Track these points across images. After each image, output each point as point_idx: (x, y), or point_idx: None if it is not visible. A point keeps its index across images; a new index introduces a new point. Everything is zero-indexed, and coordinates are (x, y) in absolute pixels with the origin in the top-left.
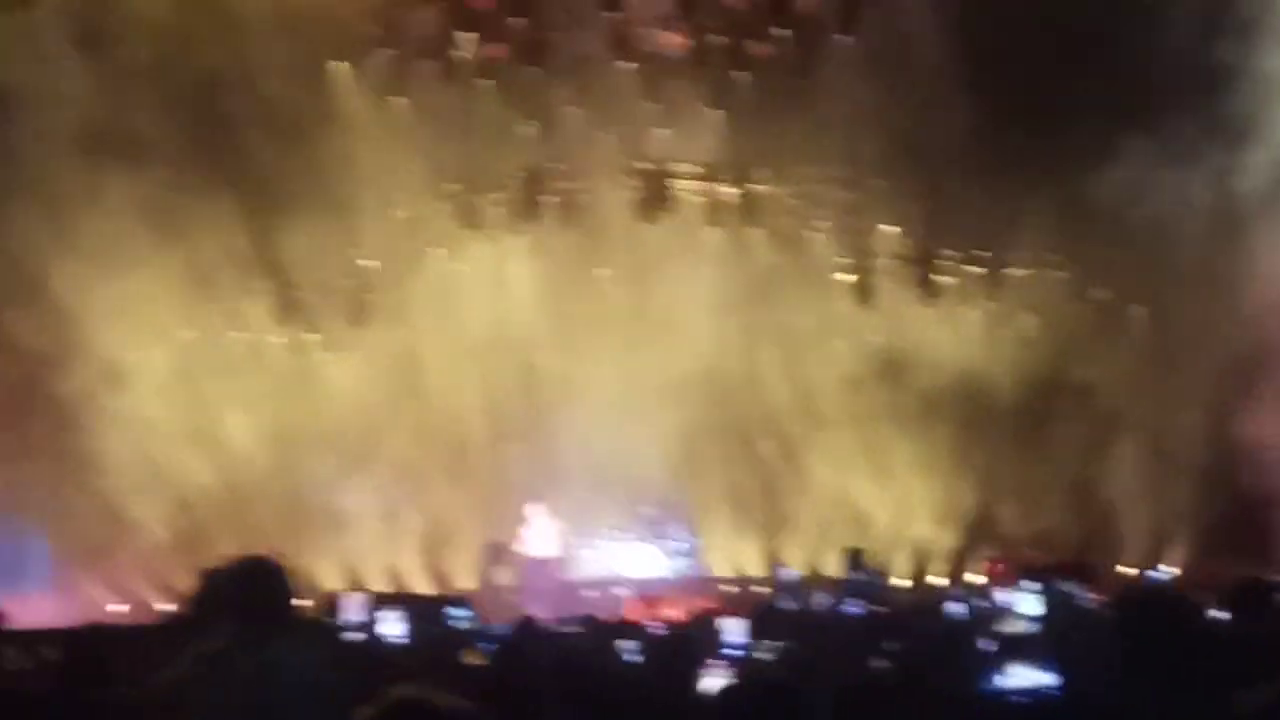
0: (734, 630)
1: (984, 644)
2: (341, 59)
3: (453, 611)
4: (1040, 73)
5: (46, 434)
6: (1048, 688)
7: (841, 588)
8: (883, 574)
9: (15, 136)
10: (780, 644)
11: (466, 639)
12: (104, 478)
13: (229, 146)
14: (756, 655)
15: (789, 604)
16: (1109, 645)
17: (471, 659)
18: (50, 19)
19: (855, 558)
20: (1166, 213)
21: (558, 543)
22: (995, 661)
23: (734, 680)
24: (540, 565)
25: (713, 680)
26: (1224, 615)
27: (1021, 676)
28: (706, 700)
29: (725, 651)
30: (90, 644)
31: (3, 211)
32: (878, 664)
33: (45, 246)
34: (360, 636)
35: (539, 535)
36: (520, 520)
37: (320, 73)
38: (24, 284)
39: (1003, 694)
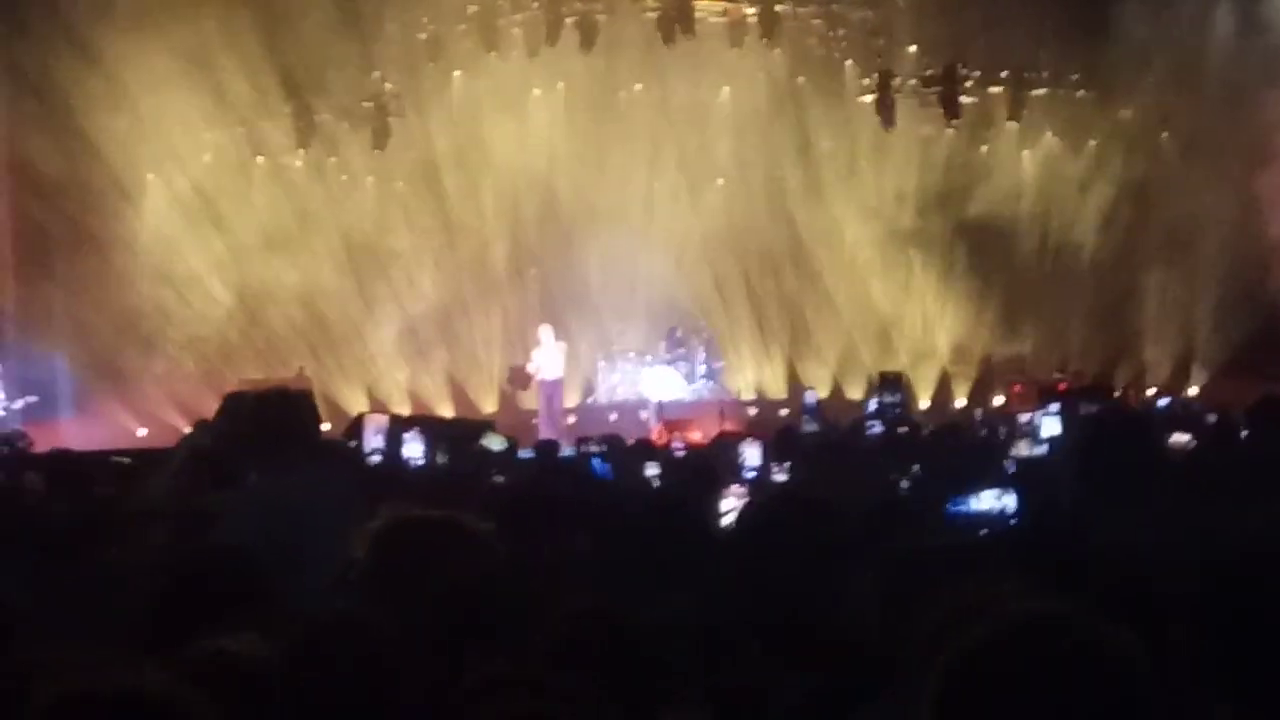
0: (754, 453)
1: (1007, 465)
2: None
3: (476, 435)
4: None
5: (68, 259)
6: (1005, 513)
7: (865, 411)
8: (908, 397)
9: None
10: (799, 465)
11: (490, 461)
12: (126, 302)
13: None
14: (774, 477)
15: (811, 426)
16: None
17: (493, 481)
18: None
19: (883, 380)
20: (1190, 32)
21: (563, 365)
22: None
23: (755, 500)
24: (551, 387)
25: (731, 501)
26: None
27: (986, 501)
28: (726, 520)
29: (745, 474)
30: (114, 468)
31: (22, 35)
32: (901, 485)
33: (64, 69)
34: (382, 460)
35: (548, 357)
36: (534, 343)
37: None
38: (43, 107)
39: (969, 519)
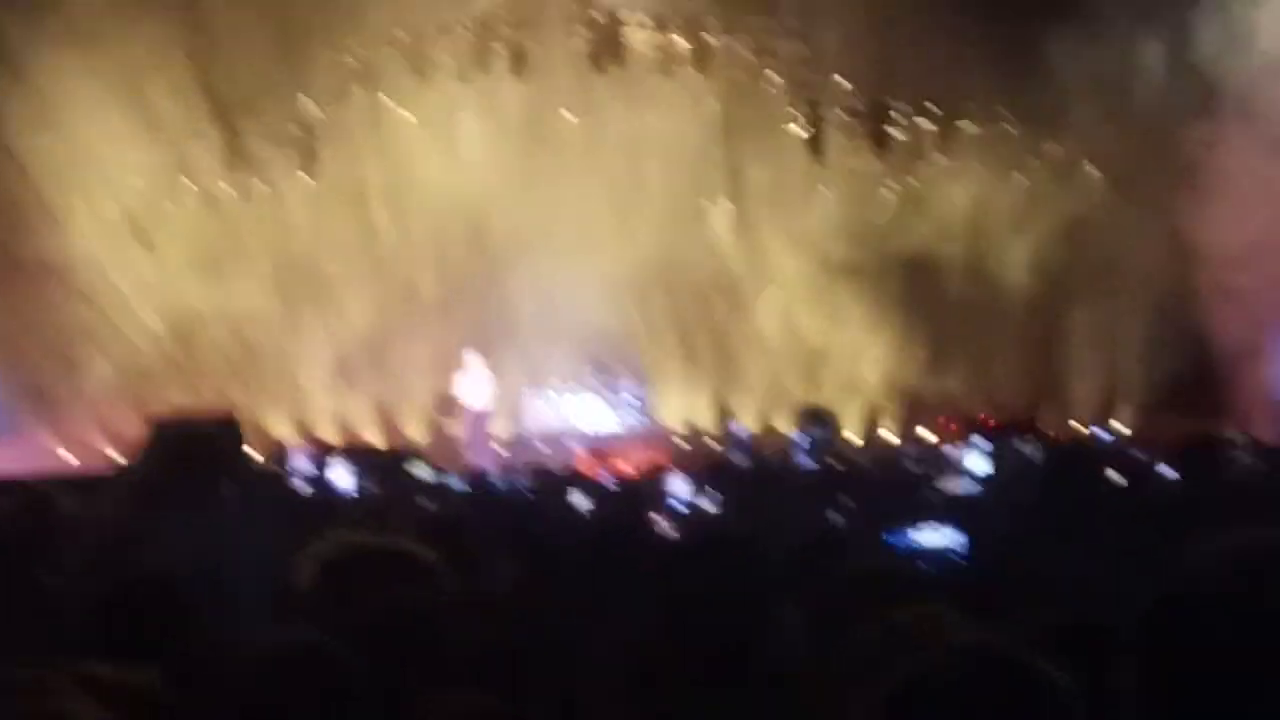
0: (682, 485)
1: (930, 499)
2: None
3: (404, 462)
4: None
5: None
6: (952, 550)
7: (793, 443)
8: (835, 430)
9: None
10: (730, 498)
11: (417, 489)
12: (53, 324)
13: None
14: (701, 508)
15: (740, 458)
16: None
17: (423, 509)
18: None
19: (811, 414)
20: (1120, 69)
21: (490, 394)
22: (925, 519)
23: (685, 532)
24: (477, 415)
25: (660, 533)
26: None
27: (928, 535)
28: (655, 554)
29: (672, 505)
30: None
31: None
32: (833, 518)
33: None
34: (308, 487)
35: (475, 384)
36: (459, 370)
37: None
38: None
39: (911, 552)
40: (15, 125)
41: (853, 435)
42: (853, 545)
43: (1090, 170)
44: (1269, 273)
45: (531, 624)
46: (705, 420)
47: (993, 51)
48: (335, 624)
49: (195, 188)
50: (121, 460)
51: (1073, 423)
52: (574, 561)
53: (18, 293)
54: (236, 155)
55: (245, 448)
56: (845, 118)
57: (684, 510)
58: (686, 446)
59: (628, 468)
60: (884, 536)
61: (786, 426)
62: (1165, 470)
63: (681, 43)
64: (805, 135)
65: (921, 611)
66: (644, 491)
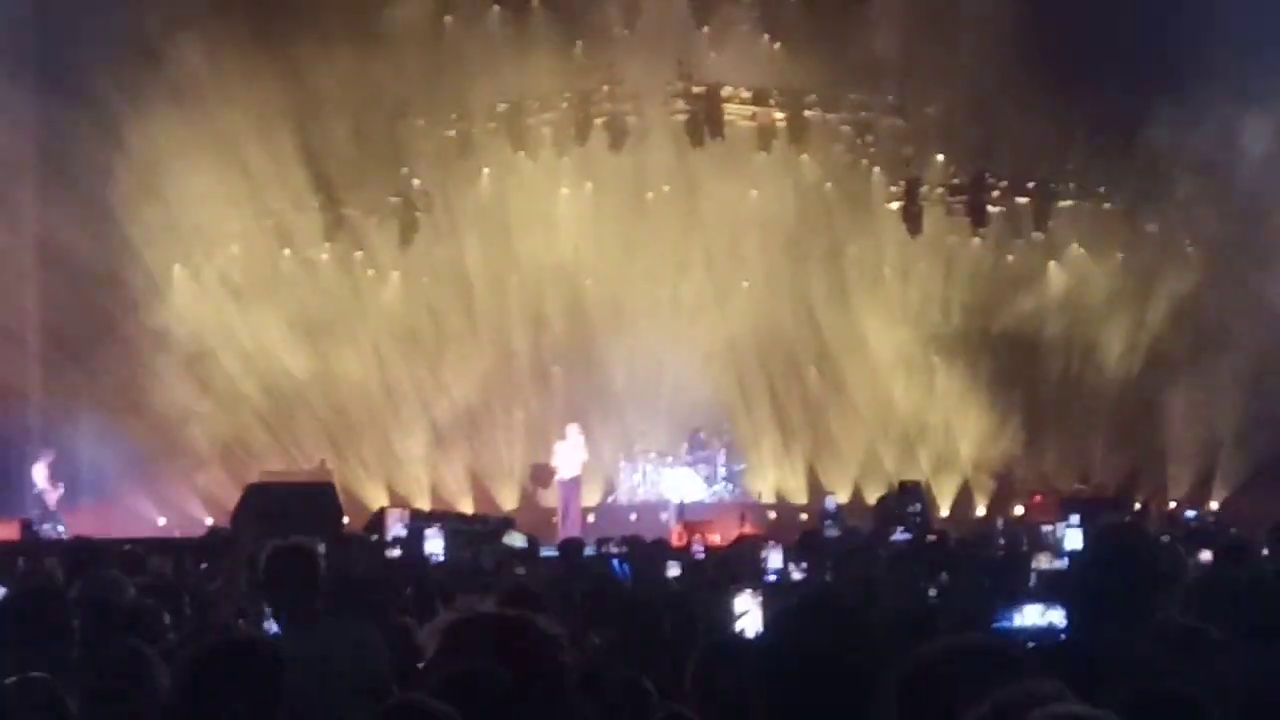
0: (776, 557)
1: (1026, 577)
2: None
3: (499, 531)
4: (1095, 2)
5: (94, 347)
6: (1053, 629)
7: (887, 517)
8: (928, 506)
9: (70, 54)
10: (821, 569)
11: (511, 557)
12: (151, 391)
13: (289, 65)
14: (792, 576)
15: (833, 531)
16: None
17: (516, 576)
18: None
19: (903, 488)
20: (1220, 148)
21: (583, 463)
22: (1024, 598)
23: (785, 604)
24: (572, 485)
25: (748, 599)
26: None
27: (1032, 615)
28: (744, 619)
29: (767, 578)
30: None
31: (54, 124)
32: (929, 593)
33: (96, 157)
34: (402, 554)
35: (572, 455)
36: (560, 440)
37: None
38: (75, 195)
39: (1014, 633)
40: (119, 196)
41: (945, 508)
42: (949, 619)
43: (1190, 248)
44: None
45: (623, 689)
46: (797, 492)
47: (1093, 129)
48: (453, 693)
49: (296, 257)
50: (219, 524)
51: (1170, 501)
52: (663, 632)
53: (120, 362)
54: (337, 225)
55: (340, 513)
56: (944, 193)
57: (776, 580)
58: (777, 517)
59: (719, 539)
60: (985, 615)
61: (879, 499)
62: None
63: (780, 117)
64: (903, 210)
65: (1032, 689)
66: (736, 562)
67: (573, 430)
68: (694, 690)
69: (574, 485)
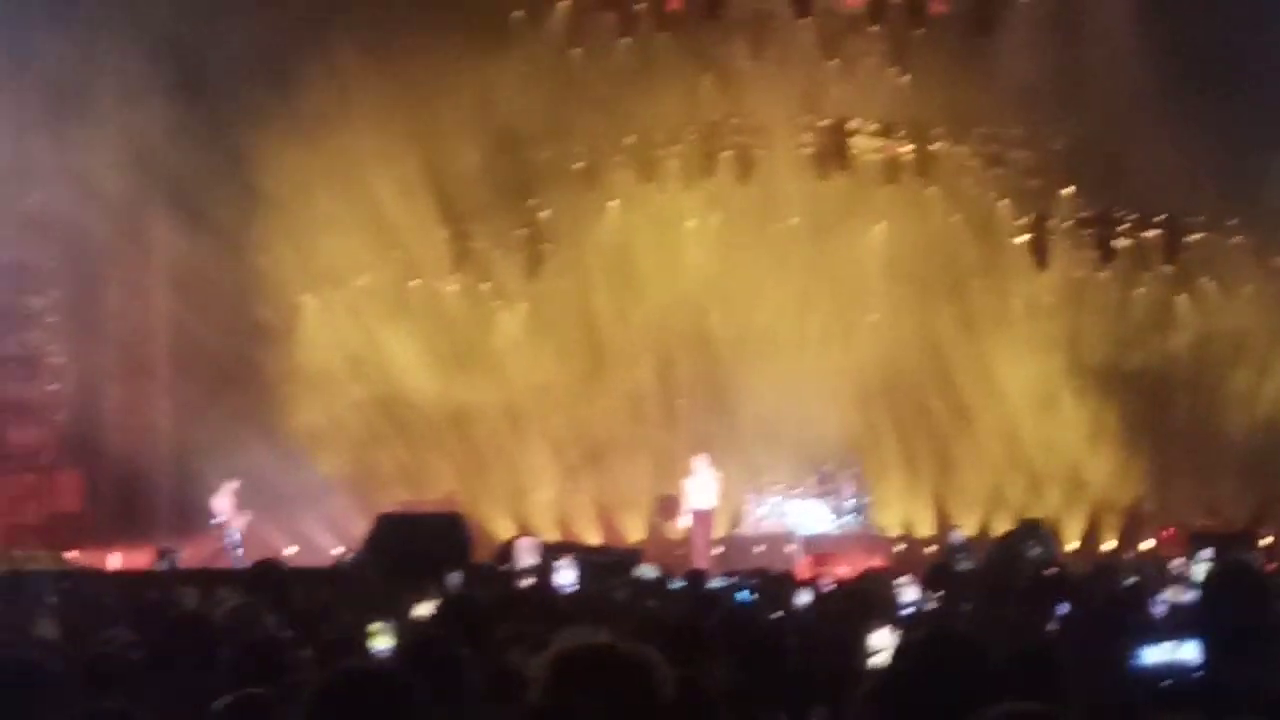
0: (911, 590)
1: (1155, 611)
2: (521, 10)
3: (628, 563)
4: (1225, 33)
5: (226, 381)
6: (1187, 666)
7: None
8: (1054, 542)
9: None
10: (953, 600)
11: (642, 589)
12: (282, 422)
13: (417, 97)
14: (928, 609)
15: (965, 563)
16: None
17: (649, 609)
18: None
19: (1029, 528)
20: None
21: (717, 495)
22: (1154, 634)
23: (915, 634)
24: (702, 517)
25: (885, 637)
26: None
27: (1163, 652)
28: (881, 655)
29: (902, 612)
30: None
31: (182, 157)
32: (1050, 627)
33: (224, 190)
34: (532, 581)
35: (702, 487)
36: (688, 472)
37: (501, 25)
38: (209, 232)
39: (1146, 672)
40: (249, 228)
41: (1073, 542)
42: (1070, 654)
43: None
44: None
45: None
46: (924, 526)
47: (1222, 162)
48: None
49: (424, 288)
50: (348, 554)
51: None
52: (794, 665)
53: (249, 393)
54: (464, 256)
55: (470, 543)
56: (1072, 226)
57: (912, 614)
58: (903, 550)
59: (847, 571)
60: (1113, 652)
61: (1003, 535)
62: None
63: (908, 150)
64: (1030, 243)
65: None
66: (867, 594)
67: (700, 462)
68: None
69: (707, 516)
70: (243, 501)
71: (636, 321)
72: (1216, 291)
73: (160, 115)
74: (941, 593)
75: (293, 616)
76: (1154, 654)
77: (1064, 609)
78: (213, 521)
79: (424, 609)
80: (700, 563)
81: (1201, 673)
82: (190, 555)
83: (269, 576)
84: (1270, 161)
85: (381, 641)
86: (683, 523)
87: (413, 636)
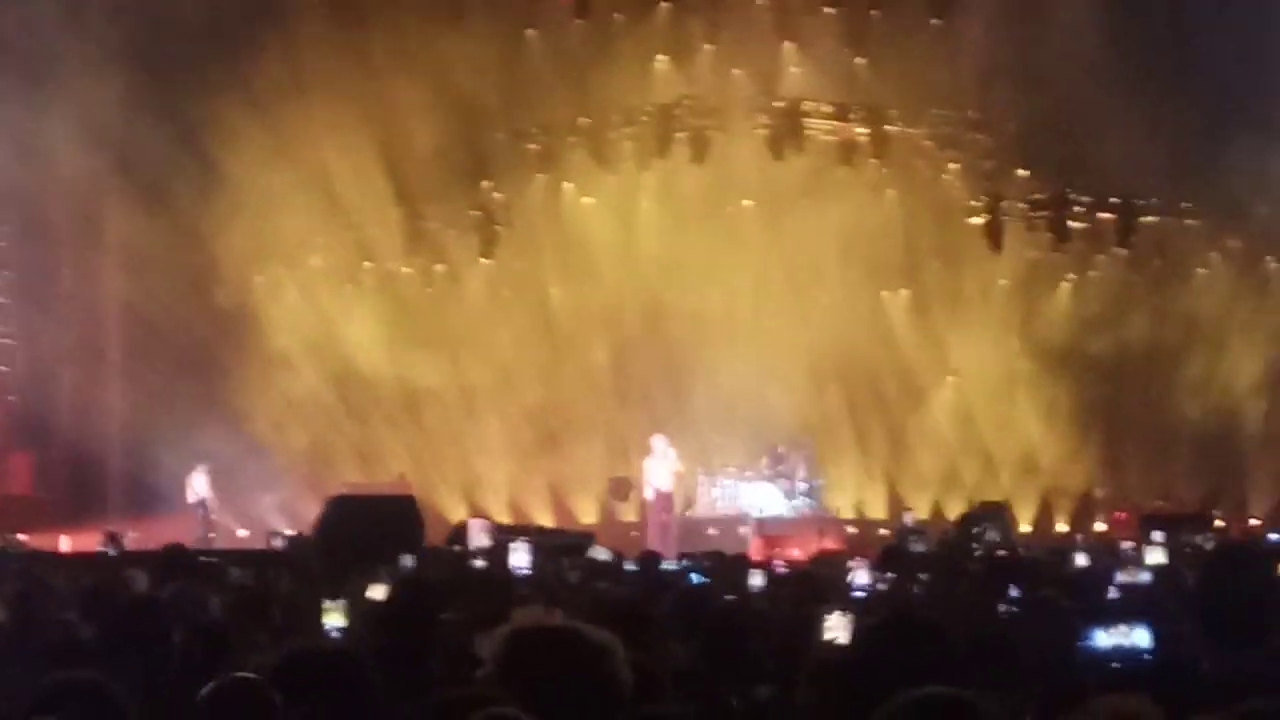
0: (863, 574)
1: (1109, 594)
2: None
3: (578, 545)
4: (1179, 17)
5: (178, 363)
6: (1138, 650)
7: (968, 536)
8: (1008, 527)
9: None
10: (905, 583)
11: (596, 571)
12: (233, 403)
13: (370, 79)
14: (880, 591)
15: (918, 546)
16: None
17: (599, 590)
18: None
19: (983, 509)
20: None
21: (673, 477)
22: (1106, 618)
23: (873, 617)
24: (663, 497)
25: (838, 619)
26: None
27: (1115, 636)
28: (835, 638)
29: (854, 593)
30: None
31: (144, 144)
32: (1004, 610)
33: (179, 168)
34: (485, 564)
35: (660, 468)
36: (645, 453)
37: (457, 4)
38: (163, 215)
39: (1098, 654)
40: (202, 210)
41: (1025, 525)
42: (1031, 638)
43: (1273, 265)
44: None
45: (707, 704)
46: (878, 508)
47: (1176, 145)
48: (518, 701)
49: (377, 269)
50: (300, 535)
51: (1250, 519)
52: (748, 647)
53: (201, 374)
54: (418, 237)
55: (422, 525)
56: (1026, 209)
57: (865, 598)
58: (856, 533)
59: (799, 554)
60: (1066, 635)
61: (961, 517)
62: None
63: (862, 132)
64: (985, 226)
65: (1119, 706)
66: (820, 577)
67: (659, 441)
68: (805, 705)
69: (666, 497)
70: (213, 483)
71: (591, 303)
72: (1169, 272)
73: (114, 91)
74: (892, 575)
75: (241, 599)
76: (1105, 637)
77: (1016, 592)
78: (191, 502)
79: (376, 591)
80: (659, 542)
81: (1152, 657)
82: (141, 537)
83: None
84: (1223, 144)
85: (333, 620)
86: (647, 494)
87: (366, 617)
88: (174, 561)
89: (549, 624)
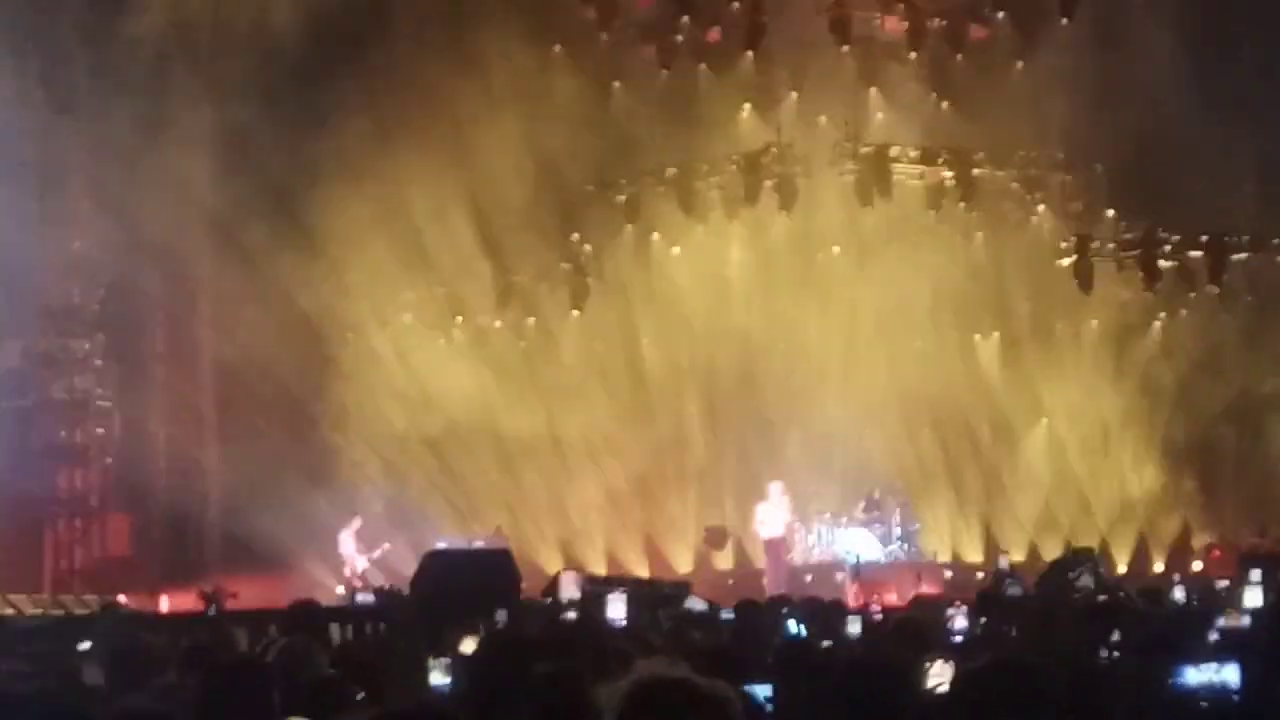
0: (961, 618)
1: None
2: (561, 44)
3: (674, 595)
4: (1264, 51)
5: (272, 421)
6: (1228, 688)
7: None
8: (1105, 566)
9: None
10: (1003, 627)
11: (691, 621)
12: (327, 461)
13: (453, 131)
14: (981, 638)
15: (1014, 589)
16: None
17: (692, 640)
18: None
19: (1074, 556)
20: None
21: (787, 524)
22: (1203, 656)
23: (970, 663)
24: (774, 544)
25: (940, 667)
26: None
27: (1206, 673)
28: (936, 684)
29: (953, 638)
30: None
31: (234, 203)
32: (1104, 654)
33: (269, 229)
34: (576, 615)
35: (775, 514)
36: (757, 499)
37: (542, 59)
38: (253, 274)
39: (1189, 692)
40: (293, 269)
41: (1122, 565)
42: (1127, 681)
43: None
44: None
45: None
46: (973, 552)
47: (1264, 180)
48: None
49: (468, 324)
50: (398, 591)
51: None
52: (846, 693)
53: (297, 433)
54: (508, 292)
55: (518, 579)
56: (1115, 249)
57: (963, 642)
58: (952, 577)
59: (896, 599)
60: (1160, 674)
61: (1053, 562)
62: None
63: (949, 175)
64: (1074, 267)
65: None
66: (919, 622)
67: (775, 489)
68: None
69: (779, 544)
70: (366, 539)
71: (682, 353)
72: (1261, 311)
73: (202, 149)
74: (987, 620)
75: (340, 656)
76: (1196, 674)
77: (1116, 636)
78: (343, 556)
79: (469, 645)
80: (776, 588)
81: (1239, 694)
82: (242, 597)
83: (310, 616)
84: None
85: (436, 677)
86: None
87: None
88: (300, 618)
89: (672, 676)
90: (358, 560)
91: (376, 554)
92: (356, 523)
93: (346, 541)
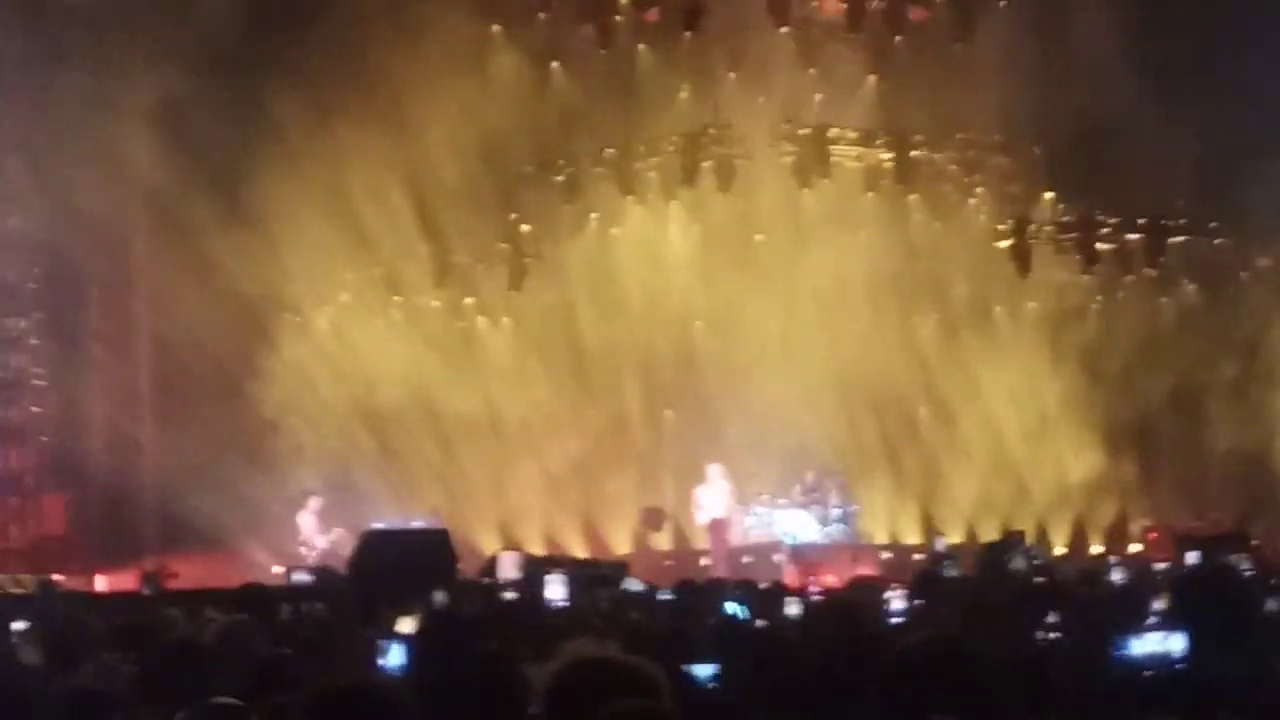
0: (898, 600)
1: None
2: (499, 23)
3: (612, 575)
4: (1204, 34)
5: (210, 400)
6: (1171, 657)
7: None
8: (1043, 548)
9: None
10: (939, 609)
11: (625, 601)
12: (263, 441)
13: (392, 110)
14: (918, 619)
15: (952, 571)
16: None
17: (631, 620)
18: None
19: (1007, 538)
20: None
21: (729, 503)
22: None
23: (909, 642)
24: (718, 525)
25: (876, 644)
26: None
27: (1151, 643)
28: (872, 663)
29: (891, 620)
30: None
31: (172, 182)
32: (1042, 635)
33: (206, 207)
34: (515, 596)
35: (716, 495)
36: (696, 480)
37: (480, 38)
38: (190, 253)
39: (1133, 662)
40: (230, 247)
41: (1060, 547)
42: (1068, 661)
43: None
44: None
45: None
46: (911, 533)
47: (1203, 163)
48: None
49: (406, 304)
50: (333, 570)
51: None
52: (785, 675)
53: (232, 410)
54: (446, 272)
55: (455, 559)
56: (1053, 231)
57: (902, 622)
58: (890, 558)
59: (834, 580)
60: (1103, 648)
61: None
62: None
63: (887, 157)
64: (1011, 249)
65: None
66: (857, 603)
67: (714, 471)
68: None
69: (721, 525)
70: (325, 519)
71: (620, 333)
72: (1199, 293)
73: (138, 128)
74: (924, 601)
75: (280, 634)
76: (1141, 645)
77: (1054, 618)
78: (299, 539)
79: (405, 625)
80: (721, 570)
81: (1184, 664)
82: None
83: (257, 597)
84: (1252, 162)
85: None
86: (700, 519)
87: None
88: (249, 600)
89: (601, 656)
90: (317, 539)
91: (333, 536)
92: (315, 502)
93: (307, 521)
